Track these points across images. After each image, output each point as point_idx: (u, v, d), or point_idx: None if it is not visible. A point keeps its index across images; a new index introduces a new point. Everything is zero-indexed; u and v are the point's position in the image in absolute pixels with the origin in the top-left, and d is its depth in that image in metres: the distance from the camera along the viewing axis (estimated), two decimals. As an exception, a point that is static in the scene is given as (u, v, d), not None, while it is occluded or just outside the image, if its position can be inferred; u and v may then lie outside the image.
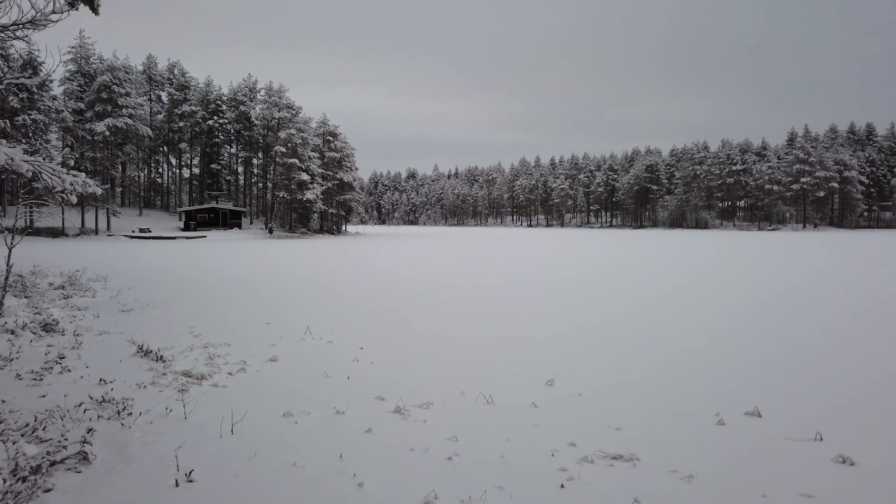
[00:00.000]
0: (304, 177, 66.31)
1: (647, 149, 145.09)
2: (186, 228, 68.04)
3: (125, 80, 62.50)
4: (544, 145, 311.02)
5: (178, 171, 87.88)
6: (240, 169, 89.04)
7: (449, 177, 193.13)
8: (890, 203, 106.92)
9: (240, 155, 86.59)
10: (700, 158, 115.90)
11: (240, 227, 71.54)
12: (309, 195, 66.36)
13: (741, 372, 8.22)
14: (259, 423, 6.06)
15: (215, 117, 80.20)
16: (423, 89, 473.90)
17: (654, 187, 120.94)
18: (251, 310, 13.65)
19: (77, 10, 7.27)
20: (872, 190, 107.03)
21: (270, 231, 67.53)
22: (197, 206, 72.35)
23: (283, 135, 66.80)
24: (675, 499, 4.55)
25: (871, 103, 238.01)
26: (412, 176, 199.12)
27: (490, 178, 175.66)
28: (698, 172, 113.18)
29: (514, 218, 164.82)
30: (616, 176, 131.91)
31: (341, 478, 4.85)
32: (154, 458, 5.20)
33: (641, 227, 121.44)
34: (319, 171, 70.90)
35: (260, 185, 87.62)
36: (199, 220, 69.22)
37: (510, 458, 5.28)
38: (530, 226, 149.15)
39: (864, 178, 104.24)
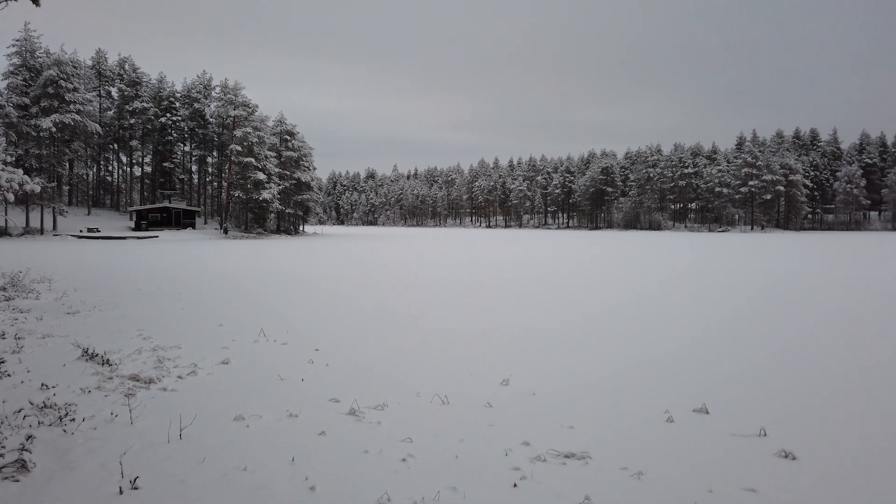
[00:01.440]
0: (261, 176, 65.28)
1: (603, 151, 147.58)
2: (138, 228, 66.21)
3: (73, 75, 60.45)
4: (503, 147, 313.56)
5: (129, 169, 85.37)
6: (194, 167, 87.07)
7: (408, 177, 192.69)
8: (832, 206, 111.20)
9: (194, 153, 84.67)
10: (653, 161, 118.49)
11: (193, 227, 69.97)
12: (265, 195, 65.34)
13: (691, 370, 8.42)
14: (209, 428, 5.93)
15: (168, 114, 78.21)
16: (383, 89, 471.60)
17: (610, 189, 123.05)
18: (204, 311, 13.36)
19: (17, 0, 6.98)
20: (816, 193, 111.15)
21: (225, 231, 66.24)
22: (149, 206, 70.51)
23: (238, 133, 65.62)
24: (625, 496, 4.63)
25: (816, 109, 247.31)
26: (371, 176, 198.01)
27: (449, 178, 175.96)
28: (651, 175, 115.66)
29: (473, 219, 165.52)
30: (573, 178, 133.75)
31: (293, 482, 4.77)
32: (97, 465, 5.03)
33: (597, 228, 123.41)
34: (276, 170, 69.90)
35: (215, 184, 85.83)
36: (151, 220, 67.45)
37: (464, 458, 5.29)
38: (489, 226, 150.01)
39: (808, 182, 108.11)
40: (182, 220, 69.54)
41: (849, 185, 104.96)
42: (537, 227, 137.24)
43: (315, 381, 7.72)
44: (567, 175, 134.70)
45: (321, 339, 10.37)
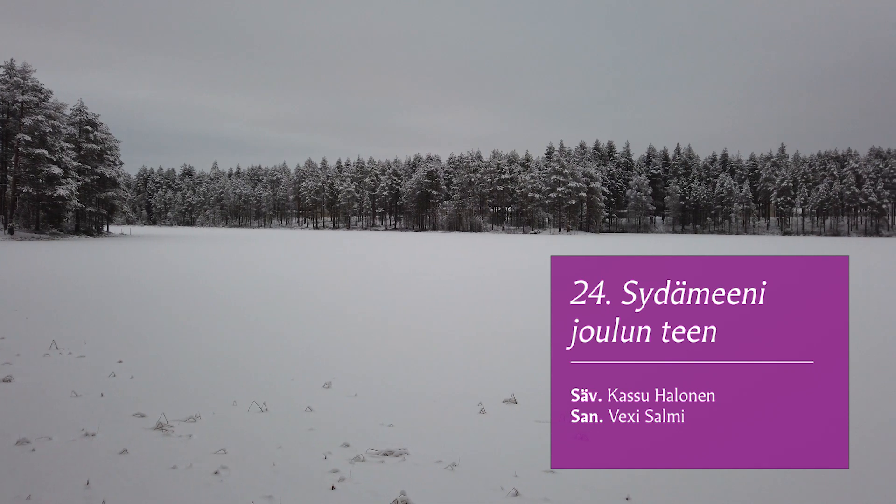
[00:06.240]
0: (56, 170, 58.28)
1: (428, 156, 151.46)
2: None
3: None
4: (331, 148, 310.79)
5: None
6: (-31, 158, 75.34)
7: (230, 175, 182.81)
8: (626, 211, 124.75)
9: (-31, 142, 73.28)
10: (474, 167, 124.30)
11: (-32, 227, 60.58)
12: (61, 191, 58.47)
13: (502, 361, 8.98)
14: (-16, 456, 5.22)
15: (-66, 95, 66.90)
16: (203, 82, 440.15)
17: (435, 192, 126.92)
18: (-20, 324, 11.67)
19: None
20: (612, 199, 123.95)
21: (11, 232, 58.22)
22: None
23: (28, 121, 58.00)
24: (439, 487, 4.85)
25: (612, 124, 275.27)
26: (188, 173, 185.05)
27: (275, 178, 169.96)
28: (473, 180, 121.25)
29: (300, 220, 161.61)
30: (400, 181, 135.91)
31: (88, 507, 4.38)
32: None
33: (423, 230, 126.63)
34: (75, 164, 62.84)
35: (-3, 177, 75.00)
36: (-89, 218, 57.29)
37: (282, 465, 5.20)
38: (316, 227, 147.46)
39: (606, 189, 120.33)
40: (-47, 219, 59.91)
41: (638, 193, 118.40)
42: (365, 229, 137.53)
43: (117, 395, 7.11)
44: (394, 178, 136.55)
45: (125, 349, 9.55)
